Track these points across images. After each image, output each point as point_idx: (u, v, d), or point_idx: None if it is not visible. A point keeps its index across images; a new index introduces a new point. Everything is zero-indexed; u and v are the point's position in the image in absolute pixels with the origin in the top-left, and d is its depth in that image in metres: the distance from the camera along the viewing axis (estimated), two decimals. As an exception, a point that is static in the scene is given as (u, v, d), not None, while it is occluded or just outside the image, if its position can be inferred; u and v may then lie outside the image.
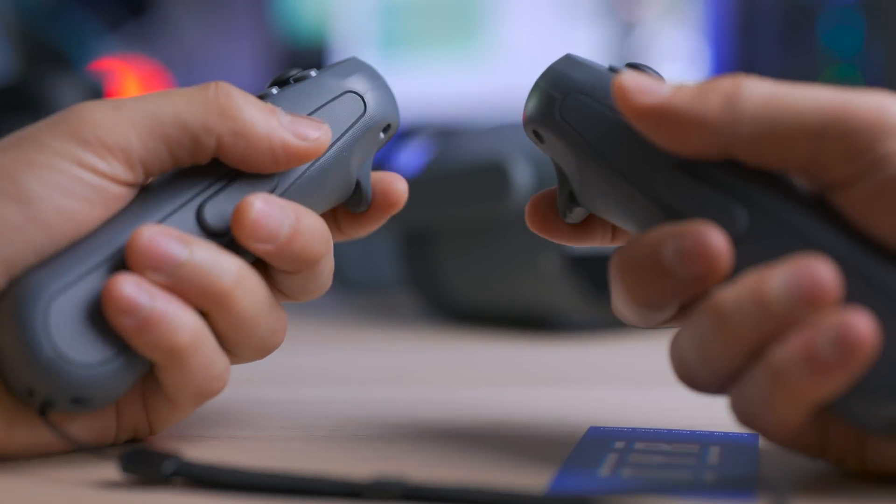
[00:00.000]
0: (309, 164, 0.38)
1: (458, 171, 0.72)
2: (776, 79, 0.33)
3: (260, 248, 0.35)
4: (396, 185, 0.40)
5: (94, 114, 0.34)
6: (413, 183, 0.75)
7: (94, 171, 0.33)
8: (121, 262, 0.34)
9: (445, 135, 1.04)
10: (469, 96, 1.47)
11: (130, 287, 0.33)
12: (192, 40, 1.67)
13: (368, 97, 0.41)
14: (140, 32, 1.65)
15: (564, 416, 0.43)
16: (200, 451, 0.37)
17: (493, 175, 0.69)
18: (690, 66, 1.36)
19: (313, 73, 0.40)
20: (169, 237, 0.34)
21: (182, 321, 0.33)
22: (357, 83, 0.41)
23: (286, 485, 0.31)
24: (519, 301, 0.69)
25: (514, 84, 1.49)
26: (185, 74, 1.64)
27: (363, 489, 0.30)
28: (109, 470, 0.34)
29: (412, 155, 1.14)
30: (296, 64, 1.57)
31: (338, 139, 0.40)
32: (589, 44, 1.41)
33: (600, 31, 1.42)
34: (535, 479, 0.32)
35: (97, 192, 0.33)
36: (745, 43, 1.33)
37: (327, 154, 0.39)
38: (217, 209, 0.36)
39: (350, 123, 0.40)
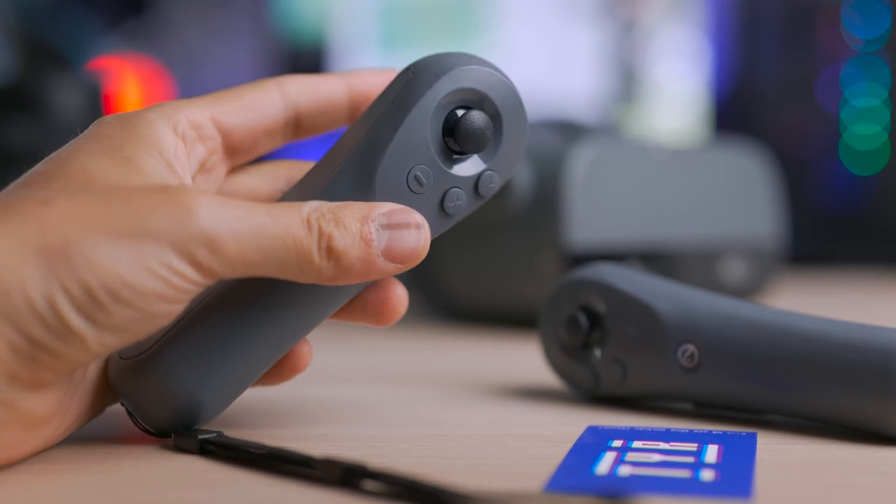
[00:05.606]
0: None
1: (457, 171, 0.72)
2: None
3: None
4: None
5: (209, 225, 0.33)
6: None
7: (197, 284, 0.33)
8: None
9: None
10: (469, 96, 1.47)
11: None
12: (192, 40, 1.67)
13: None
14: (139, 31, 1.65)
15: (564, 415, 0.43)
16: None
17: (492, 175, 0.69)
18: (691, 66, 1.36)
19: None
20: None
21: None
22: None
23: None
24: (518, 300, 0.69)
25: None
26: (185, 74, 1.64)
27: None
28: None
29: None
30: (296, 64, 1.57)
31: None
32: (589, 44, 1.41)
33: (600, 30, 1.42)
34: (532, 477, 0.33)
35: (192, 295, 0.34)
36: (746, 42, 1.33)
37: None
38: None
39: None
